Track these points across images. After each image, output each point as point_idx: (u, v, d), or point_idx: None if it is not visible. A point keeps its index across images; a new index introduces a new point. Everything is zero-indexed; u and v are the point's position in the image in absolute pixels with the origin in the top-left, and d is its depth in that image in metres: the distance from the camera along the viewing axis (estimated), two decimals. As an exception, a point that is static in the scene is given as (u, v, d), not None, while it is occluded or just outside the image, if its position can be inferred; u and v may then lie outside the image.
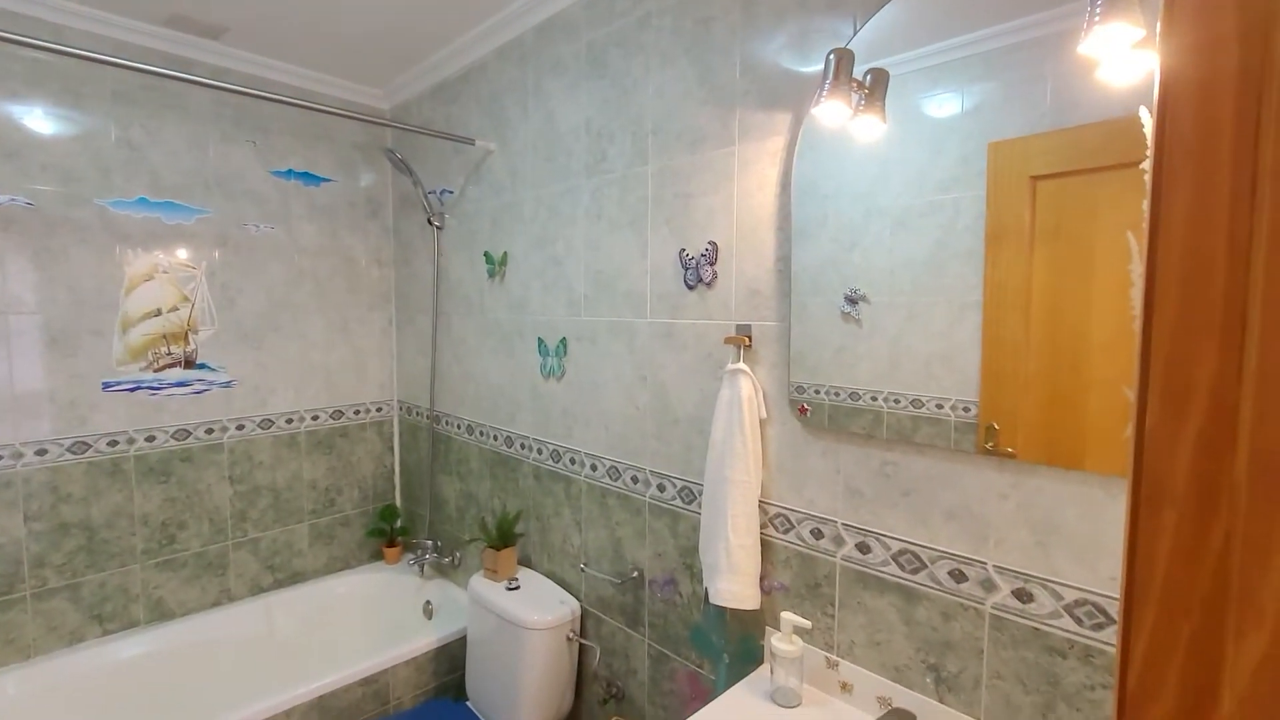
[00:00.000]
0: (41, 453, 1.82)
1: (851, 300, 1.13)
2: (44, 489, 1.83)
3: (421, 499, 2.47)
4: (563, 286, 1.75)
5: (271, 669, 2.04)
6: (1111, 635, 0.86)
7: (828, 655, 1.19)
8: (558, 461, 1.81)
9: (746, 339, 1.28)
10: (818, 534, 1.20)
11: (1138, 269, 0.83)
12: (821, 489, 1.19)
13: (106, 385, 1.93)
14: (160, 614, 2.05)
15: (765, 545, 1.29)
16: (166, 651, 1.98)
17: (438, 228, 2.24)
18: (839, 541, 1.17)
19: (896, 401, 1.07)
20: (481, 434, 2.12)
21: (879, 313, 1.10)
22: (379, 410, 2.57)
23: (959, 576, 1.02)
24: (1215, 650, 0.31)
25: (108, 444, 1.93)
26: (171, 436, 2.06)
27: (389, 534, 2.53)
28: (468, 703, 1.84)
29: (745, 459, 1.25)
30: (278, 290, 2.27)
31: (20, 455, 1.79)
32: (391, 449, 2.62)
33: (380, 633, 2.21)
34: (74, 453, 1.88)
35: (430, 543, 2.36)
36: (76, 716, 1.77)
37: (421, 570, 2.38)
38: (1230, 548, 0.31)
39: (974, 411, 0.98)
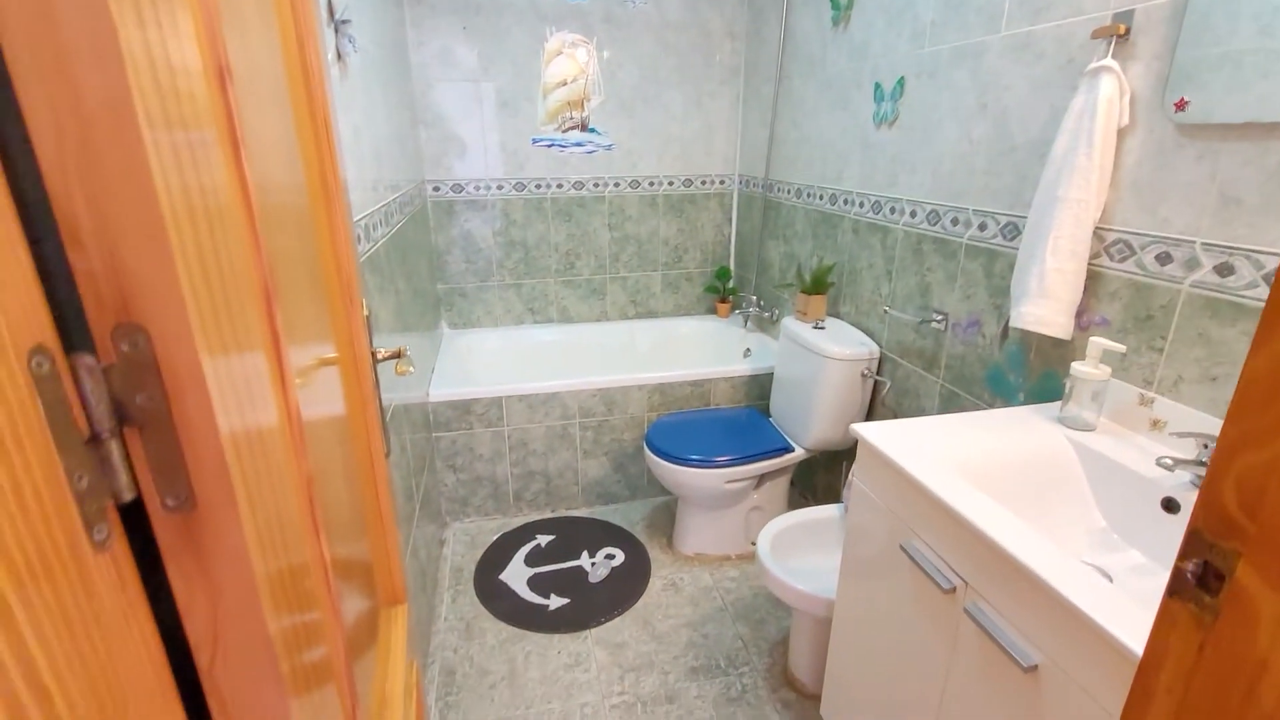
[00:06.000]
0: (500, 187, 2.60)
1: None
2: (501, 214, 2.64)
3: (750, 264, 2.77)
4: (908, 17, 1.63)
5: (632, 367, 2.71)
6: None
7: (1143, 392, 1.10)
8: (878, 213, 1.83)
9: (1123, 27, 1.07)
10: (1164, 259, 1.05)
11: None
12: (1183, 204, 1.02)
13: (534, 141, 2.59)
14: (566, 318, 2.86)
15: (1093, 276, 1.17)
16: (568, 342, 2.79)
17: (789, -18, 2.22)
18: (1192, 265, 1.01)
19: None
20: (809, 195, 2.23)
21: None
22: (721, 183, 2.86)
23: (1362, 295, 0.81)
24: None
25: (535, 186, 2.64)
26: (571, 186, 2.68)
27: (721, 292, 2.94)
28: (770, 418, 2.19)
29: (1088, 174, 1.12)
30: (647, 64, 2.60)
31: (489, 188, 2.59)
32: (730, 219, 2.93)
33: (708, 362, 2.69)
34: (516, 190, 2.62)
35: (754, 298, 2.68)
36: (518, 366, 2.69)
37: (745, 323, 2.76)
38: None
39: None
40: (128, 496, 0.27)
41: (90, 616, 0.24)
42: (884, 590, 1.10)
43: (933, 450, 1.05)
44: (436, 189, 2.55)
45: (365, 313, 0.83)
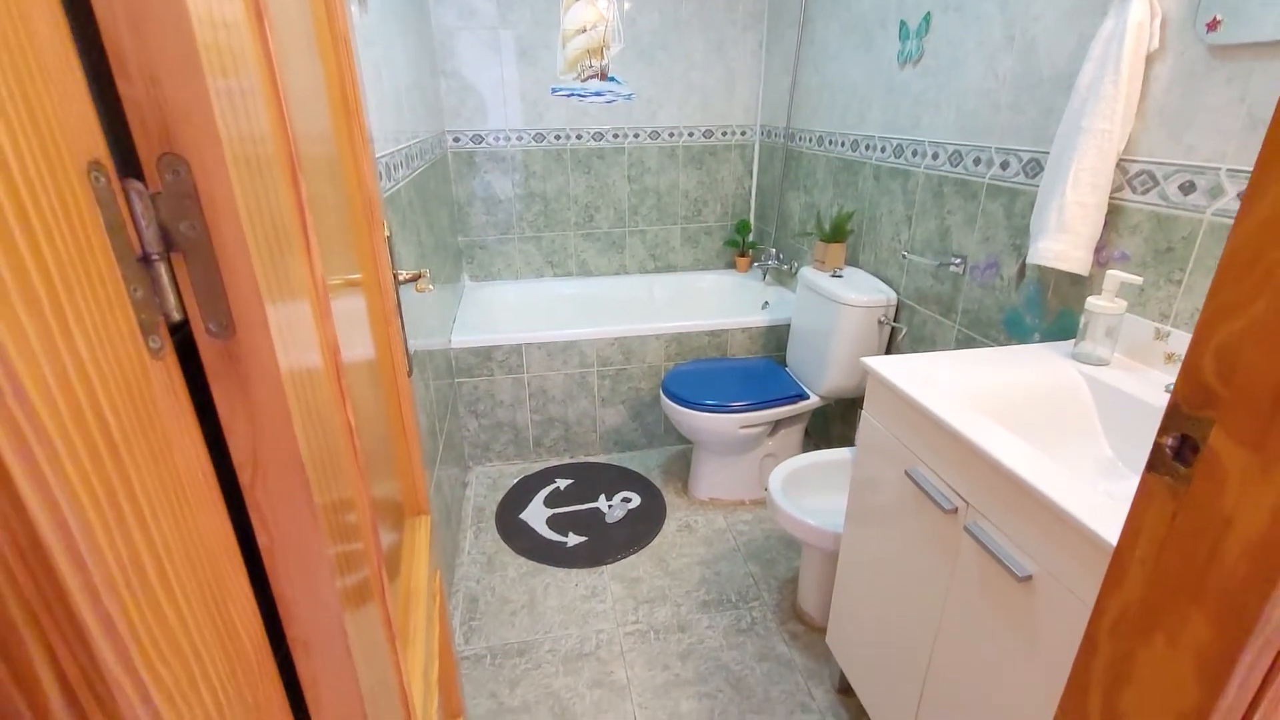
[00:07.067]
0: (520, 138, 2.60)
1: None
2: (520, 165, 2.64)
3: (770, 216, 2.74)
4: (937, -52, 1.58)
5: (650, 319, 2.74)
6: None
7: (1158, 326, 1.09)
8: (899, 157, 1.81)
9: (1157, -55, 1.03)
10: (1188, 188, 1.03)
11: None
12: (1210, 129, 0.99)
13: (553, 90, 2.57)
14: (585, 271, 2.88)
15: (1114, 210, 1.16)
16: (587, 295, 2.81)
17: (814, -82, 2.15)
18: (1215, 193, 0.99)
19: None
20: (830, 143, 2.20)
21: None
22: (743, 134, 2.82)
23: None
24: None
25: (554, 137, 2.63)
26: (591, 137, 2.67)
27: (741, 245, 2.92)
28: (786, 368, 2.21)
29: (1114, 103, 1.09)
30: (668, 10, 2.55)
31: (509, 139, 2.59)
32: (750, 172, 2.89)
33: (725, 315, 2.70)
34: (536, 141, 2.62)
35: (773, 250, 2.67)
36: (538, 317, 2.72)
37: (764, 276, 2.75)
38: None
39: None
40: (176, 316, 0.31)
41: (150, 402, 0.28)
42: (889, 517, 1.13)
43: (941, 382, 1.07)
44: (456, 140, 2.56)
45: (386, 233, 0.87)
